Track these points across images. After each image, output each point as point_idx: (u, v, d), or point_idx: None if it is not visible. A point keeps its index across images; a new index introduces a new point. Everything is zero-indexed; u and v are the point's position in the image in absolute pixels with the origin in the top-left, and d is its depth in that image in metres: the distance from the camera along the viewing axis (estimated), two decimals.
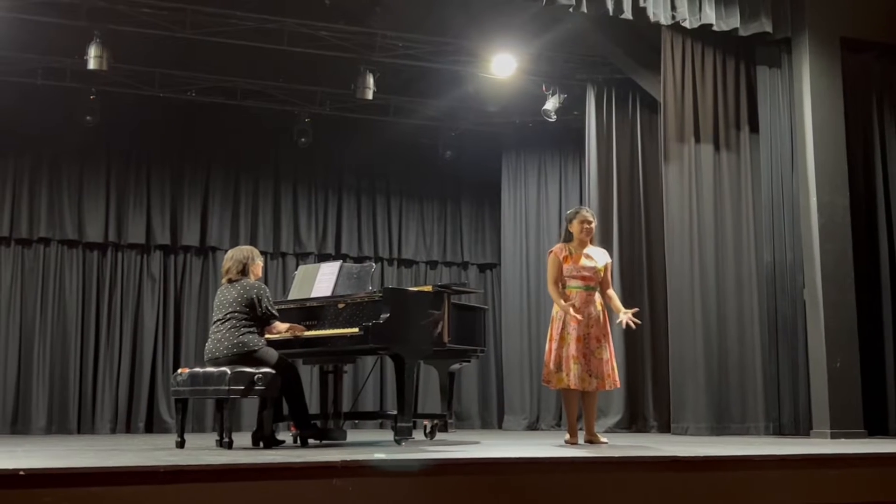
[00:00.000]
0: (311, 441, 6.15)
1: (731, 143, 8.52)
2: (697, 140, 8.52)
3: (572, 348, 5.95)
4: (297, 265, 9.94)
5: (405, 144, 11.70)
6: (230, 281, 5.92)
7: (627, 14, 7.78)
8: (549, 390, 9.37)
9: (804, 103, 7.96)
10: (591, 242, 6.33)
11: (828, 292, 7.62)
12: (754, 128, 8.48)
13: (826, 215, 7.75)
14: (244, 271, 5.93)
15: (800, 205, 7.98)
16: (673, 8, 7.91)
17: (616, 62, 9.76)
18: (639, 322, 6.40)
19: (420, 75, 10.65)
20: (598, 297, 6.14)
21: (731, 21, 8.04)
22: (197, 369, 5.80)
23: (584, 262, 6.15)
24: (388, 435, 7.15)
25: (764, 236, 8.23)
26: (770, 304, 8.10)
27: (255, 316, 5.81)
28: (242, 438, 6.29)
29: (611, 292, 6.32)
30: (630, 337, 9.62)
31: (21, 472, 3.04)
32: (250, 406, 9.07)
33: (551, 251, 6.29)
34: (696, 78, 8.58)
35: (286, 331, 6.04)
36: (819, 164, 7.82)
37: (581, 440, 6.19)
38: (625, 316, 6.17)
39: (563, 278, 6.14)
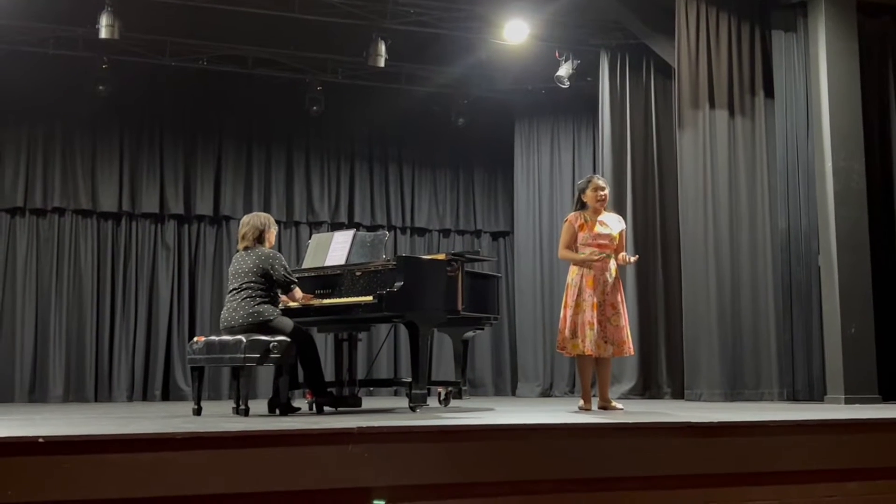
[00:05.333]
0: (326, 408, 6.19)
1: (745, 108, 8.45)
2: (712, 105, 8.46)
3: (588, 315, 5.95)
4: (311, 234, 9.97)
5: (417, 112, 11.64)
6: (246, 248, 5.95)
7: None
8: (563, 357, 9.42)
9: (820, 68, 7.87)
10: (605, 209, 6.31)
11: (843, 258, 7.59)
12: (769, 93, 8.42)
13: (841, 181, 7.70)
14: (261, 238, 5.97)
15: (815, 170, 7.93)
16: None
17: (630, 27, 9.67)
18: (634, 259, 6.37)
19: (432, 42, 10.57)
20: (613, 264, 6.14)
21: None
22: (213, 338, 5.84)
23: (599, 229, 6.13)
24: (403, 402, 7.18)
25: (779, 202, 8.19)
26: (784, 270, 8.08)
27: (271, 285, 5.85)
28: (258, 406, 6.35)
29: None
30: (644, 303, 9.64)
31: (40, 440, 3.08)
32: (266, 374, 9.15)
33: (566, 219, 6.27)
34: (710, 43, 8.50)
35: (300, 300, 6.08)
36: (835, 130, 7.75)
37: (595, 406, 6.21)
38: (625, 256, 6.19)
39: (578, 246, 6.13)
